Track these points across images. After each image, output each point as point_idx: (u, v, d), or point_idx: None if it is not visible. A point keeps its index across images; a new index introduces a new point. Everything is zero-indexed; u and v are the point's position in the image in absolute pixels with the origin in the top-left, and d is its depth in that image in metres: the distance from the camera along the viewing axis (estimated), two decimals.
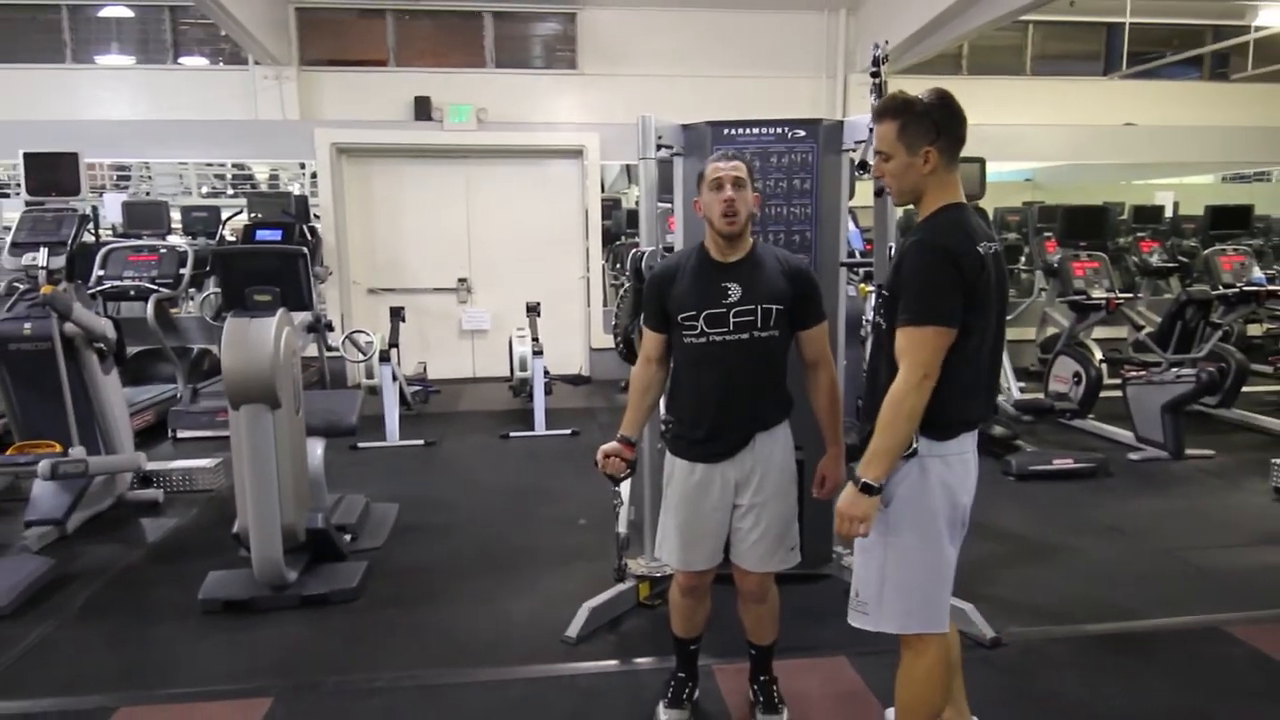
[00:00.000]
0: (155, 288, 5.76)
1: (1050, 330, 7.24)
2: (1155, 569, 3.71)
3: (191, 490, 4.73)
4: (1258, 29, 7.86)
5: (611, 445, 2.38)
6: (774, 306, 2.25)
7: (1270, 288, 5.78)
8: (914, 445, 1.89)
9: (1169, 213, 8.57)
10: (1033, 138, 8.54)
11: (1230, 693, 2.70)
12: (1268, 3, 7.01)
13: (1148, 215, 8.06)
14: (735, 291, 2.24)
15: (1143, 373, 5.53)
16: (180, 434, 5.81)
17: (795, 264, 2.36)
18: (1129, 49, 8.46)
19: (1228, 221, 7.30)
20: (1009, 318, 6.76)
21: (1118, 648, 2.96)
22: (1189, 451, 5.30)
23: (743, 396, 2.28)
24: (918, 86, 1.93)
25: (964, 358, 1.87)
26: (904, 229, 8.09)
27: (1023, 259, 7.69)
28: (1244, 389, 6.01)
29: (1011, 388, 6.01)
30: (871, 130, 2.78)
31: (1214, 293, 5.65)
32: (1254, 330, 7.90)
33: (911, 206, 2.00)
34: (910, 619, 1.99)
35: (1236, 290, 5.62)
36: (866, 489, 1.86)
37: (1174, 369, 5.49)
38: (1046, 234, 6.77)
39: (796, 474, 2.42)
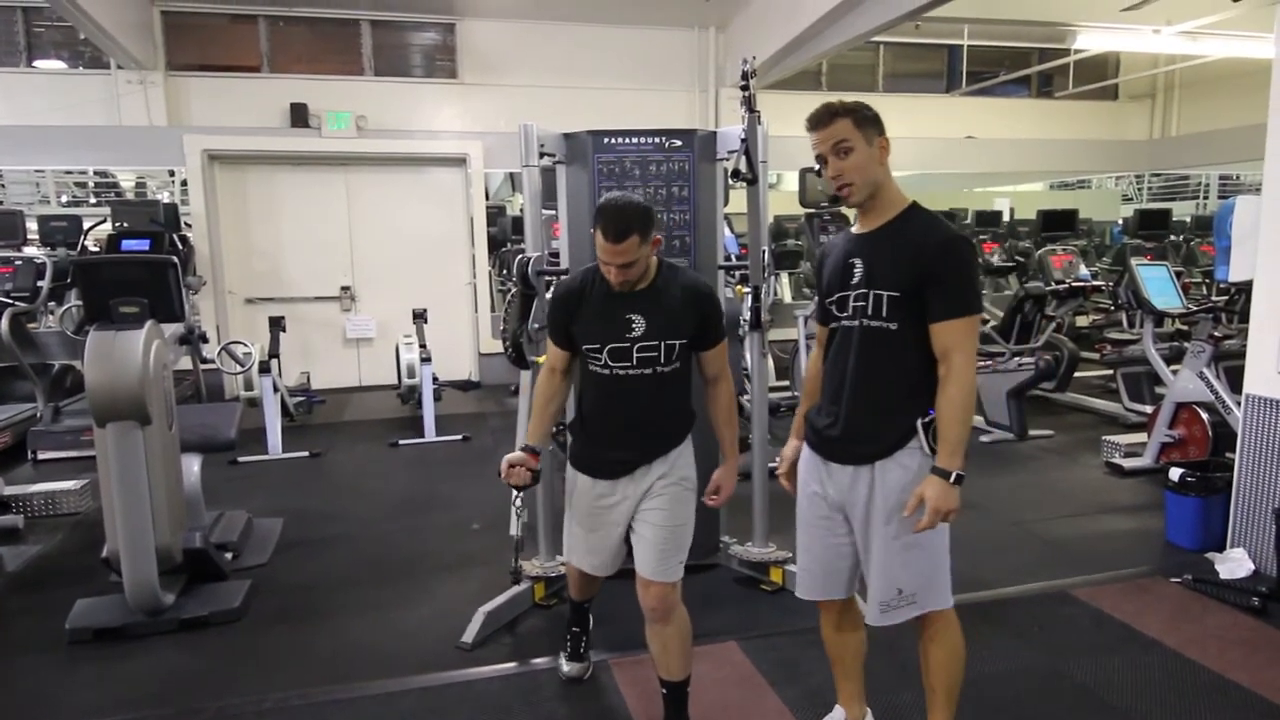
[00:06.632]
0: (10, 301, 5.45)
1: None
2: (1008, 540, 4.05)
3: (55, 514, 4.47)
4: (1076, 52, 8.57)
5: (516, 455, 2.35)
6: (677, 342, 2.22)
7: (1094, 283, 6.37)
8: None
9: (1006, 217, 9.29)
10: None
11: (1076, 649, 2.96)
12: (1084, 28, 7.68)
13: (988, 219, 8.75)
14: (639, 325, 2.20)
15: (989, 362, 5.97)
16: (41, 455, 5.48)
17: (700, 290, 2.29)
18: (967, 69, 9.18)
19: (1057, 224, 7.96)
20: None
21: (978, 616, 3.14)
22: (1032, 432, 5.84)
23: (646, 427, 2.30)
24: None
25: None
26: (775, 235, 8.44)
27: None
28: (1076, 374, 6.56)
29: None
30: (742, 142, 2.94)
31: (1048, 288, 6.15)
32: (1082, 321, 8.56)
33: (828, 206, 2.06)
34: (949, 590, 2.08)
35: (1067, 285, 6.14)
36: (959, 480, 1.91)
37: (1016, 358, 5.95)
38: None
39: (696, 486, 2.38)
